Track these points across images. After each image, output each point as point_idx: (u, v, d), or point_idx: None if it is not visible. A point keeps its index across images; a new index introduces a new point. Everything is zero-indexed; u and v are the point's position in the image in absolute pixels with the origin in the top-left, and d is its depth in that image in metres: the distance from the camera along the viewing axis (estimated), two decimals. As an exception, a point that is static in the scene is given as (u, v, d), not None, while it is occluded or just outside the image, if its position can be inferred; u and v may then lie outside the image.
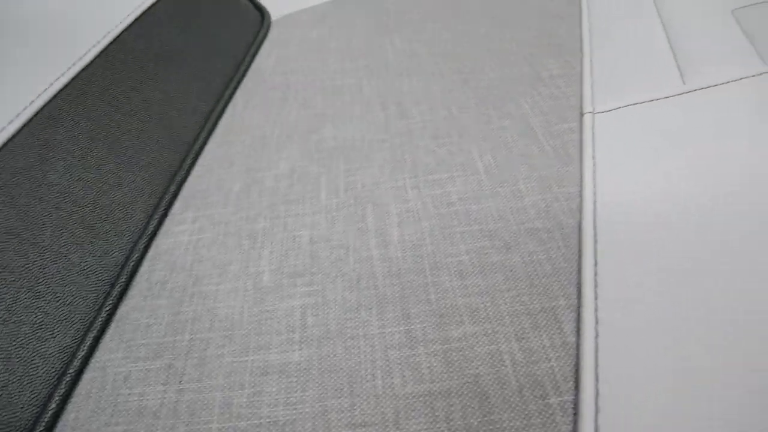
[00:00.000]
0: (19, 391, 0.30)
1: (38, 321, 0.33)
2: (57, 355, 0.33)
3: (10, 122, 0.38)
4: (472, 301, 0.31)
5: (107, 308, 0.35)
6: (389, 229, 0.36)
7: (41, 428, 0.30)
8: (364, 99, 0.51)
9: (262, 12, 0.72)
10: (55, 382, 0.32)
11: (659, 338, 0.26)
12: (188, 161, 0.46)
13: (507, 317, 0.29)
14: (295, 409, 0.28)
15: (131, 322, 0.35)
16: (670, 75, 0.46)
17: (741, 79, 0.42)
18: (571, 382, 0.26)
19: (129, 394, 0.31)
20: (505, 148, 0.41)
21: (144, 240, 0.39)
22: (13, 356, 0.31)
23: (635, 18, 0.56)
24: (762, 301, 0.26)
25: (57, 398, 0.31)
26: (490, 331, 0.29)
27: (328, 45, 0.63)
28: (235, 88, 0.57)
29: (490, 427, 0.25)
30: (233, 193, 0.42)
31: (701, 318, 0.26)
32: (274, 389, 0.29)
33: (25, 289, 0.33)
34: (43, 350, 0.32)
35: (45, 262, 0.35)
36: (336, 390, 0.28)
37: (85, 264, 0.36)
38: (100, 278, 0.37)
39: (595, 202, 0.35)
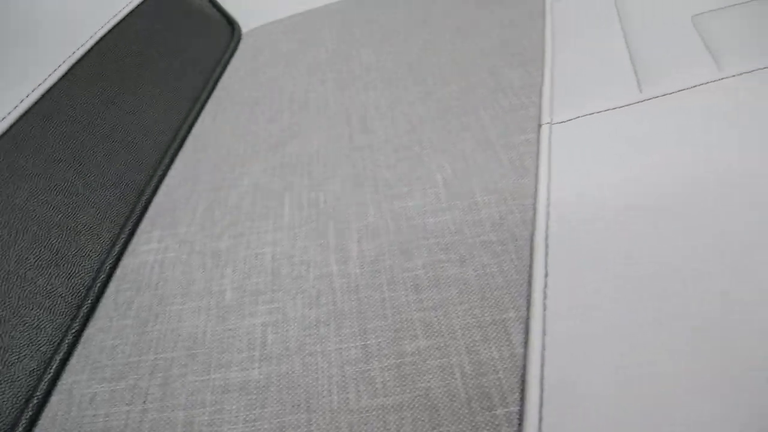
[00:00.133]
0: (-15, 417, 0.31)
1: (4, 345, 0.33)
2: (24, 379, 0.33)
3: (-26, 148, 0.39)
4: (426, 315, 0.32)
5: (74, 330, 0.36)
6: (349, 244, 0.37)
7: (7, 452, 0.30)
8: (329, 113, 0.52)
9: (232, 25, 0.73)
10: (22, 406, 0.32)
11: (616, 345, 0.27)
12: (155, 179, 0.47)
13: (459, 331, 0.30)
14: (254, 425, 0.29)
15: (97, 344, 0.35)
16: (628, 83, 0.47)
17: (695, 86, 0.43)
18: (518, 393, 0.27)
19: (94, 415, 0.31)
20: (463, 160, 0.42)
21: (111, 260, 0.40)
22: (-22, 382, 0.32)
23: (598, 27, 0.57)
24: (723, 303, 0.27)
25: (24, 422, 0.31)
26: (442, 345, 0.30)
27: (296, 58, 0.64)
28: (204, 103, 0.58)
29: (439, 439, 0.26)
30: (198, 210, 0.43)
31: (663, 322, 0.27)
32: (234, 407, 0.30)
33: (-11, 315, 0.34)
34: (9, 374, 0.33)
35: (10, 287, 0.35)
36: (294, 406, 0.29)
37: (51, 287, 0.37)
38: (66, 301, 0.37)
39: (548, 214, 0.36)
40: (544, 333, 0.29)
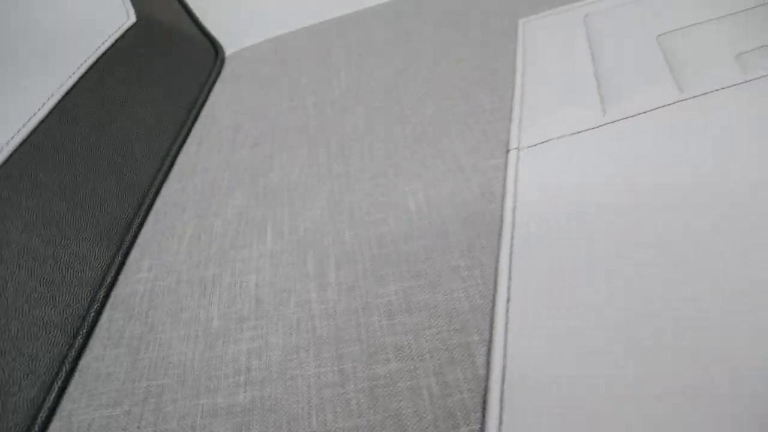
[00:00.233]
0: (-10, 446, 0.33)
1: (5, 377, 0.36)
2: (25, 408, 0.36)
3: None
4: (398, 339, 0.34)
5: (70, 359, 0.38)
6: (328, 272, 0.40)
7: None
8: (309, 139, 0.54)
9: (216, 48, 0.75)
10: (23, 433, 0.35)
11: (576, 364, 0.30)
12: (144, 208, 0.49)
13: (427, 354, 0.33)
14: (240, 448, 0.31)
15: (93, 371, 0.38)
16: (593, 106, 0.49)
17: (656, 108, 0.46)
18: (479, 412, 0.30)
19: (92, 440, 0.34)
20: (435, 186, 0.44)
21: (103, 290, 0.42)
22: (-18, 413, 0.34)
23: (567, 48, 0.59)
24: (688, 311, 0.29)
25: (26, 449, 0.34)
26: (412, 368, 0.33)
27: (278, 81, 0.66)
28: (190, 129, 0.60)
29: (408, 457, 0.29)
30: (185, 239, 0.46)
31: (623, 341, 0.29)
32: (222, 429, 0.32)
33: (-10, 349, 0.36)
34: (11, 404, 0.35)
35: (8, 320, 0.38)
36: (276, 428, 0.32)
37: (47, 318, 0.39)
38: (62, 331, 0.40)
39: (512, 239, 0.38)
40: (504, 355, 0.32)
